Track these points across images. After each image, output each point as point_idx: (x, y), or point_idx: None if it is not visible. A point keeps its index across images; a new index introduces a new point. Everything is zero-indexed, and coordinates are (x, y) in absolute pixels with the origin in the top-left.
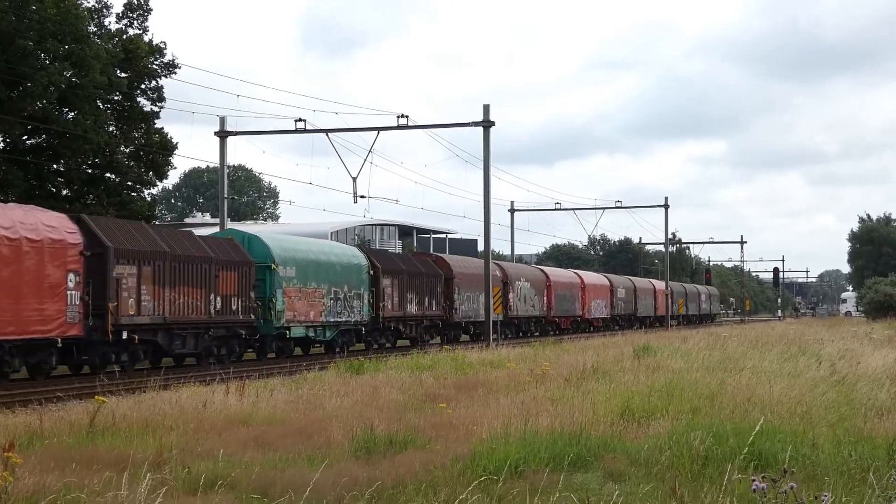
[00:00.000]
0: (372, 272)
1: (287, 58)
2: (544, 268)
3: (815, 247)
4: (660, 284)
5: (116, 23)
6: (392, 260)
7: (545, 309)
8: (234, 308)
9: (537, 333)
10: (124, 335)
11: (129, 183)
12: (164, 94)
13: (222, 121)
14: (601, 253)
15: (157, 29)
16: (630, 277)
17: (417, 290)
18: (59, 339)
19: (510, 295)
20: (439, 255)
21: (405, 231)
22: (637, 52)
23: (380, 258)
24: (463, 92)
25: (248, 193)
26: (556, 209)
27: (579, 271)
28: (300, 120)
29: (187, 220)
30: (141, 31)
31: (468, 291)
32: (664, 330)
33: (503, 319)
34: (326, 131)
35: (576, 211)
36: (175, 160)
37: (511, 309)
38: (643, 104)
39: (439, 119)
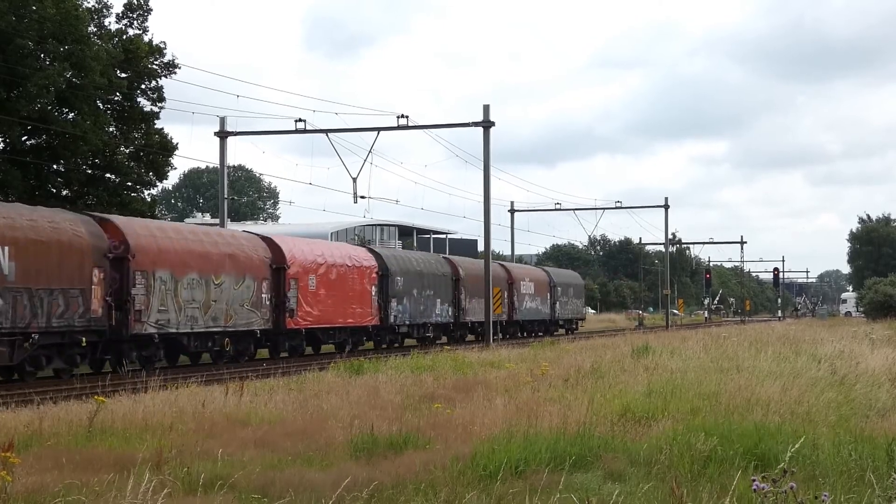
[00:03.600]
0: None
1: (290, 57)
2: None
3: (816, 247)
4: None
5: (116, 23)
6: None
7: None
8: None
9: None
10: None
11: (130, 183)
12: (164, 95)
13: (222, 121)
14: (601, 253)
15: (157, 29)
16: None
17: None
18: None
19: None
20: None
21: (405, 231)
22: (640, 52)
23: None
24: (467, 91)
25: (248, 194)
26: (556, 209)
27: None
28: (300, 120)
29: (187, 221)
30: (141, 32)
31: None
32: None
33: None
34: (326, 131)
35: (576, 211)
36: (175, 160)
37: None
38: (646, 104)
39: (443, 118)
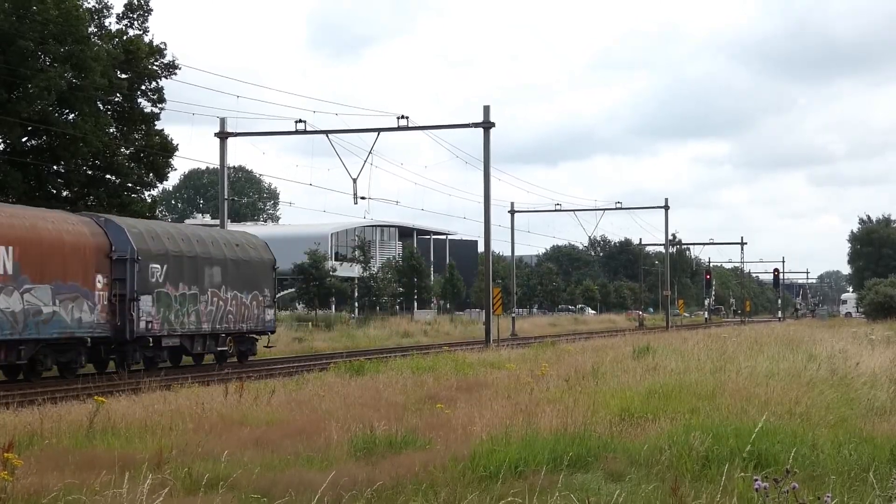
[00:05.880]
0: None
1: (290, 58)
2: None
3: (816, 248)
4: None
5: (117, 23)
6: None
7: None
8: None
9: None
10: None
11: (130, 184)
12: (165, 96)
13: (222, 122)
14: (601, 254)
15: (158, 29)
16: None
17: None
18: None
19: None
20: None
21: (405, 232)
22: (642, 54)
23: None
24: (468, 92)
25: (248, 195)
26: (556, 210)
27: None
28: (300, 121)
29: (187, 222)
30: (141, 32)
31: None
32: None
33: None
34: (327, 132)
35: (576, 212)
36: (175, 161)
37: None
38: (648, 105)
39: (444, 119)
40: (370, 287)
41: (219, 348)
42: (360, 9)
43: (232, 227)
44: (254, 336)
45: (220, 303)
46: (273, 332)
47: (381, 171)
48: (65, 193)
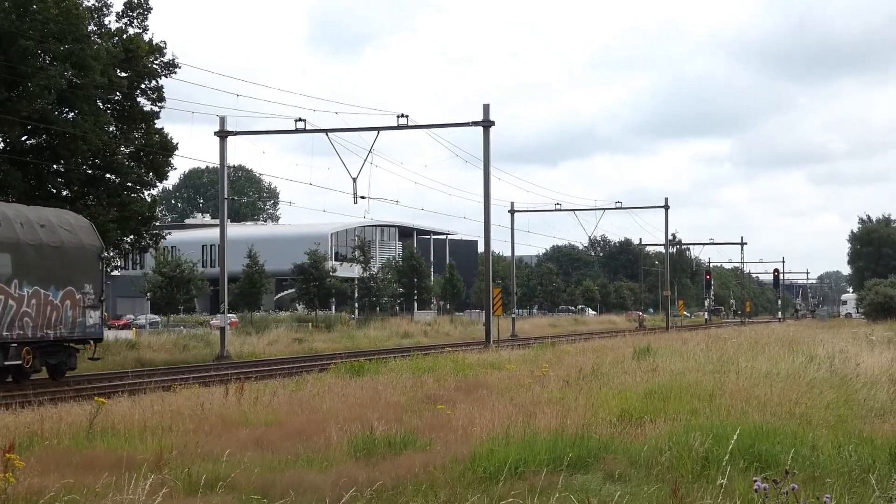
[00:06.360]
0: None
1: (291, 56)
2: None
3: (816, 247)
4: None
5: (116, 22)
6: None
7: None
8: None
9: None
10: None
11: (130, 184)
12: (164, 94)
13: (222, 121)
14: (601, 254)
15: (158, 28)
16: None
17: None
18: None
19: None
20: None
21: (405, 232)
22: (642, 52)
23: None
24: (468, 90)
25: (248, 194)
26: (556, 210)
27: None
28: (300, 120)
29: (187, 221)
30: (141, 31)
31: None
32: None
33: None
34: (326, 131)
35: (576, 212)
36: (175, 161)
37: None
38: (648, 104)
39: (445, 117)
40: (370, 287)
41: (7, 363)
42: (360, 6)
43: (231, 226)
44: (72, 346)
45: (10, 302)
46: (100, 341)
47: (380, 170)
48: (65, 192)
